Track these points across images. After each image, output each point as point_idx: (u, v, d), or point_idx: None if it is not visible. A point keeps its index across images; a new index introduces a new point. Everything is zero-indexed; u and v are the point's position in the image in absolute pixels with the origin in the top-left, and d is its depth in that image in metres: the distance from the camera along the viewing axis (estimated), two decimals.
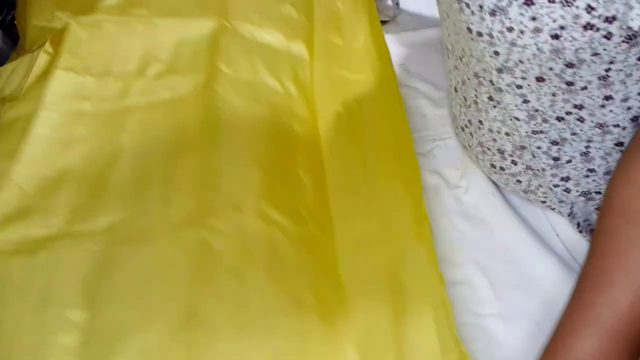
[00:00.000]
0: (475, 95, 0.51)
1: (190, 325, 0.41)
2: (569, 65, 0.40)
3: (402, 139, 0.57)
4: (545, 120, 0.46)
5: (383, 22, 0.75)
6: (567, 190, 0.51)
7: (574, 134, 0.46)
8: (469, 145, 0.57)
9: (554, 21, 0.38)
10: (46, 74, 0.58)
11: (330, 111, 0.62)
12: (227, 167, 0.52)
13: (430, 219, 0.51)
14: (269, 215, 0.49)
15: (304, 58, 0.67)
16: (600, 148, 0.47)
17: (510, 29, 0.40)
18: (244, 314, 0.43)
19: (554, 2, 0.37)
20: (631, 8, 0.35)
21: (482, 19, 0.41)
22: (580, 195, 0.51)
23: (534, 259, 0.52)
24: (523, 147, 0.50)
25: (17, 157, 0.50)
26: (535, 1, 0.38)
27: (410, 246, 0.49)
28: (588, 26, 0.37)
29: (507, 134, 0.50)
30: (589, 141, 0.46)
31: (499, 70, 0.44)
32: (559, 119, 0.45)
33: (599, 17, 0.36)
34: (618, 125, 0.44)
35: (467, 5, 0.42)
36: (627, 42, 0.37)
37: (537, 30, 0.39)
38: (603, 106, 0.43)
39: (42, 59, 0.60)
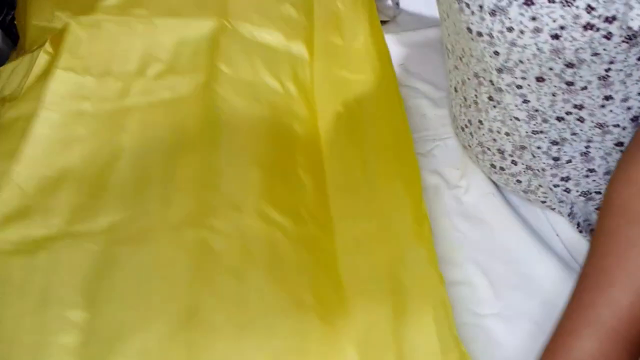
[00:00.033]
0: (475, 95, 0.51)
1: (190, 325, 0.41)
2: (569, 65, 0.40)
3: (402, 139, 0.57)
4: (545, 120, 0.46)
5: (383, 22, 0.75)
6: (567, 190, 0.51)
7: (574, 134, 0.46)
8: (469, 145, 0.57)
9: (554, 21, 0.38)
10: (46, 74, 0.58)
11: (330, 111, 0.62)
12: (227, 167, 0.52)
13: (430, 219, 0.51)
14: (269, 215, 0.49)
15: (304, 58, 0.67)
16: (600, 148, 0.47)
17: (510, 29, 0.40)
18: (244, 314, 0.43)
19: (554, 2, 0.37)
20: (631, 8, 0.35)
21: (482, 19, 0.41)
22: (580, 195, 0.51)
23: (534, 259, 0.52)
24: (523, 147, 0.50)
25: (17, 157, 0.50)
26: (535, 1, 0.38)
27: (410, 246, 0.49)
28: (588, 26, 0.37)
29: (507, 134, 0.50)
30: (589, 141, 0.46)
31: (499, 70, 0.44)
32: (559, 119, 0.45)
33: (599, 17, 0.36)
34: (618, 125, 0.44)
35: (467, 5, 0.42)
36: (627, 42, 0.37)
37: (537, 30, 0.39)
38: (603, 106, 0.43)
39: (42, 59, 0.60)
